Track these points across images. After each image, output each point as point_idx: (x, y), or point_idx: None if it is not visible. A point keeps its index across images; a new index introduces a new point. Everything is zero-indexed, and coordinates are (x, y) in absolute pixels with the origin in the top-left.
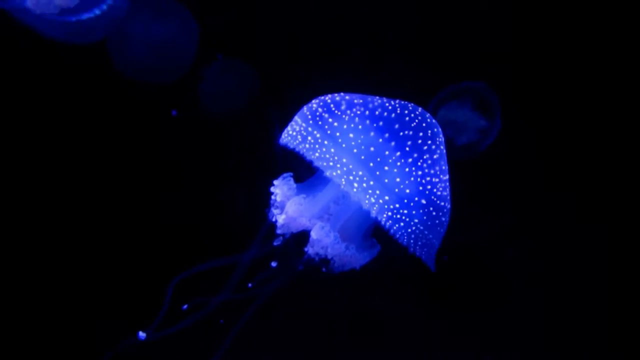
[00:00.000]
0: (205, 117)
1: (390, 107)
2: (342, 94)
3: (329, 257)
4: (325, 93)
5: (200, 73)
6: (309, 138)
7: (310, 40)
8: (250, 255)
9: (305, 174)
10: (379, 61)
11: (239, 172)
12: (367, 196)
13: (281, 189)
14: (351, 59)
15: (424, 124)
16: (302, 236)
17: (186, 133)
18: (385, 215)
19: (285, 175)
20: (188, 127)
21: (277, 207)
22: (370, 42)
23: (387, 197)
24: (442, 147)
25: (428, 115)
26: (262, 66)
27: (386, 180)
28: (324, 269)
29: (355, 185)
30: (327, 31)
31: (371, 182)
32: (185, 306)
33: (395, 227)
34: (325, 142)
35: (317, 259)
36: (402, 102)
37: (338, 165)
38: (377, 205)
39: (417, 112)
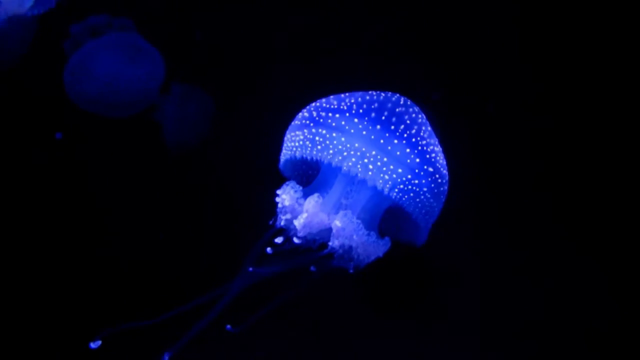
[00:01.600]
0: (167, 147)
1: (374, 95)
2: (321, 99)
3: (354, 246)
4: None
5: (158, 103)
6: (317, 138)
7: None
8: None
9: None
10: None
11: (224, 194)
12: (382, 174)
13: (288, 193)
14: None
15: (408, 102)
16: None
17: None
18: (397, 190)
19: (287, 182)
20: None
21: (286, 213)
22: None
23: (400, 170)
24: (428, 121)
25: (403, 97)
26: (222, 90)
27: (398, 153)
28: (349, 265)
29: (371, 167)
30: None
31: (385, 159)
32: (229, 327)
33: (405, 199)
34: (334, 135)
35: (341, 250)
36: (377, 91)
37: (352, 153)
38: (391, 182)
39: (396, 95)
